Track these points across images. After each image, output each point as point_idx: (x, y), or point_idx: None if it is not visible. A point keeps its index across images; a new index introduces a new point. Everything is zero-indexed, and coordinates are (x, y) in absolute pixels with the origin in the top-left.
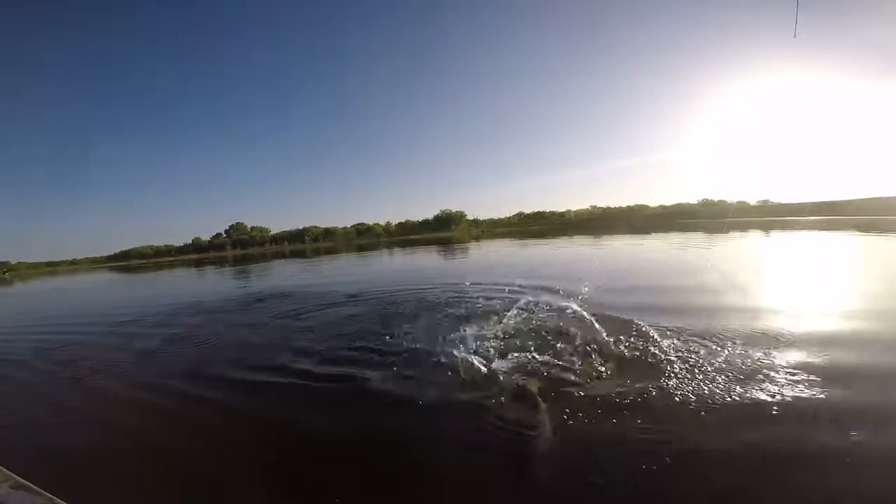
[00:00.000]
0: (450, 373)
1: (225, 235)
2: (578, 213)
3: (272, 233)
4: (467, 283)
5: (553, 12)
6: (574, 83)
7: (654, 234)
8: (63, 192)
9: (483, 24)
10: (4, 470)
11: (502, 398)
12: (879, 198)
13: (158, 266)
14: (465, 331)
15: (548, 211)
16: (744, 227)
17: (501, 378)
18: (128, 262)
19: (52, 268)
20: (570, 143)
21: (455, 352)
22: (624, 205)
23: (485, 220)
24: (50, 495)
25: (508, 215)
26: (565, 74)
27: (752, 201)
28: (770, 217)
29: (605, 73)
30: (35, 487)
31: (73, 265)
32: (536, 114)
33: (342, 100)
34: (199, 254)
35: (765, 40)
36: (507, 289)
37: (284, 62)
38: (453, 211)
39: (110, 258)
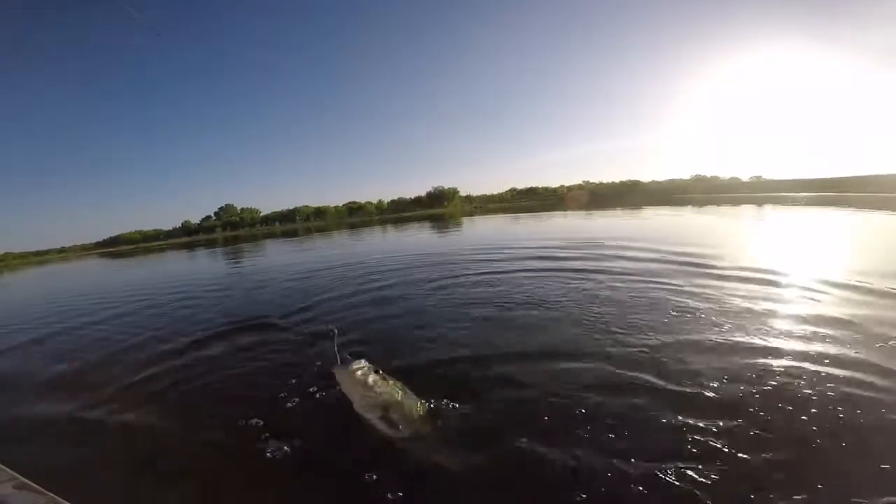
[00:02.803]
0: None
1: (214, 218)
2: (570, 189)
3: (263, 213)
4: None
5: None
6: (565, 65)
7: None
8: (45, 180)
9: (479, 5)
10: (7, 470)
11: None
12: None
13: (149, 250)
14: None
15: (540, 186)
16: (736, 202)
17: None
18: (117, 247)
19: (40, 257)
20: (564, 124)
21: None
22: (616, 180)
23: (477, 197)
24: (52, 495)
25: (500, 191)
26: (557, 55)
27: (745, 177)
28: (763, 193)
29: (601, 53)
30: (38, 487)
31: (62, 253)
32: (530, 92)
33: (331, 77)
34: (188, 237)
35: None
36: None
37: (273, 40)
38: (446, 188)
39: (99, 244)
